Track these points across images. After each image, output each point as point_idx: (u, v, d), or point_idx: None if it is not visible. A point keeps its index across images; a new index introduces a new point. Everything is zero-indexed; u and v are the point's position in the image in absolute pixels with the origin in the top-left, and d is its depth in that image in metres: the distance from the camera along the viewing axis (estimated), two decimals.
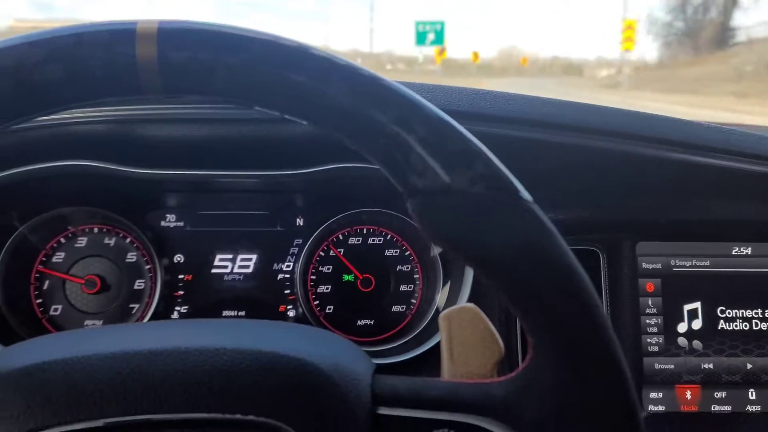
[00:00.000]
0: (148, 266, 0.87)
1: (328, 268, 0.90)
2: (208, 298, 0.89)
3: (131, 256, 0.87)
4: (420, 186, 0.39)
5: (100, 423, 0.36)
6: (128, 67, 0.36)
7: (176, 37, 0.37)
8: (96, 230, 0.87)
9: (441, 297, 0.88)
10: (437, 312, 0.88)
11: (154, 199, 0.87)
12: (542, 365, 0.41)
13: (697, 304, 0.86)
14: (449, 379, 0.46)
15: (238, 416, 0.37)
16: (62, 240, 0.86)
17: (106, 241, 0.87)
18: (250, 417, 0.37)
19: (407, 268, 0.90)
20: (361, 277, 0.89)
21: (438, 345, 0.81)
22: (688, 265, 0.86)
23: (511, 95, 0.82)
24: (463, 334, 0.47)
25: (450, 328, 0.47)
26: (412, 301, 0.90)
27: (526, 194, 0.40)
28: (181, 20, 0.38)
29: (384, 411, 0.41)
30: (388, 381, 0.43)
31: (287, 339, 0.42)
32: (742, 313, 0.86)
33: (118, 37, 0.37)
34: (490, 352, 0.47)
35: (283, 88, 0.38)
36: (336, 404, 0.39)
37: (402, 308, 0.90)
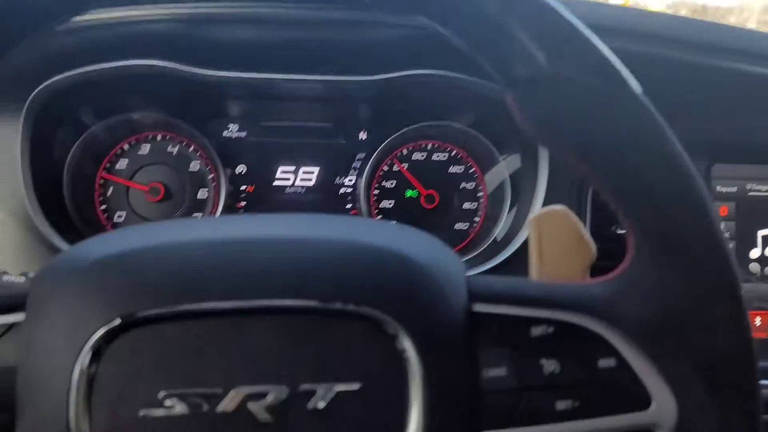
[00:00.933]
0: (212, 176, 0.86)
1: (392, 183, 0.88)
2: (269, 211, 0.88)
3: (194, 165, 0.86)
4: (523, 75, 0.38)
5: (195, 308, 0.35)
6: None
7: None
8: (160, 138, 0.86)
9: (507, 218, 0.86)
10: (512, 228, 0.86)
11: (218, 108, 0.86)
12: (645, 264, 0.39)
13: None
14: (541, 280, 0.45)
15: (337, 305, 0.36)
16: (127, 146, 0.85)
17: (170, 149, 0.86)
18: (350, 306, 0.36)
19: (472, 185, 0.89)
20: (424, 194, 0.88)
21: (498, 265, 0.80)
22: (763, 189, 0.83)
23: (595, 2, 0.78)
24: (553, 236, 0.45)
25: (540, 230, 0.46)
26: (476, 219, 0.89)
27: (636, 85, 0.39)
28: None
29: (481, 308, 0.39)
30: (482, 279, 0.41)
31: (384, 233, 0.41)
32: None
33: None
34: (582, 254, 0.45)
35: None
36: (435, 299, 0.38)
37: (465, 226, 0.89)
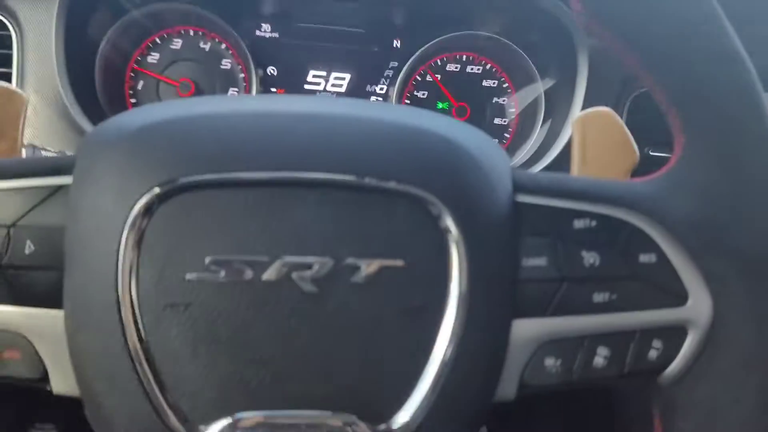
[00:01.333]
0: (243, 75, 0.85)
1: (423, 94, 0.87)
2: None
3: (226, 63, 0.85)
4: None
5: (247, 175, 0.35)
6: None
7: None
8: (192, 33, 0.85)
9: (538, 135, 0.86)
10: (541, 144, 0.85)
11: (252, 4, 0.84)
12: (694, 162, 0.39)
13: None
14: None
15: (382, 182, 0.36)
16: (158, 40, 0.84)
17: (202, 45, 0.85)
18: (393, 184, 0.36)
19: (504, 100, 0.88)
20: (456, 106, 0.87)
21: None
22: None
23: None
24: (598, 137, 0.45)
25: (584, 131, 0.45)
26: (506, 135, 0.88)
27: None
28: None
29: (525, 198, 0.39)
30: (528, 172, 0.41)
31: (432, 118, 0.41)
32: None
33: None
34: (626, 156, 0.45)
35: None
36: (481, 184, 0.38)
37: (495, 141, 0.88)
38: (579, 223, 0.39)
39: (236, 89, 0.86)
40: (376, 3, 0.83)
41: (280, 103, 0.39)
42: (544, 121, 0.85)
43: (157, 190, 0.33)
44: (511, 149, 0.88)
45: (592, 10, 0.39)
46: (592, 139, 0.45)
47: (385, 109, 0.40)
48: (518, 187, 0.39)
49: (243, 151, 0.35)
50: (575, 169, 0.46)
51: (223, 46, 0.85)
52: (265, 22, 0.85)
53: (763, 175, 0.38)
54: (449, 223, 0.35)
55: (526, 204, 0.39)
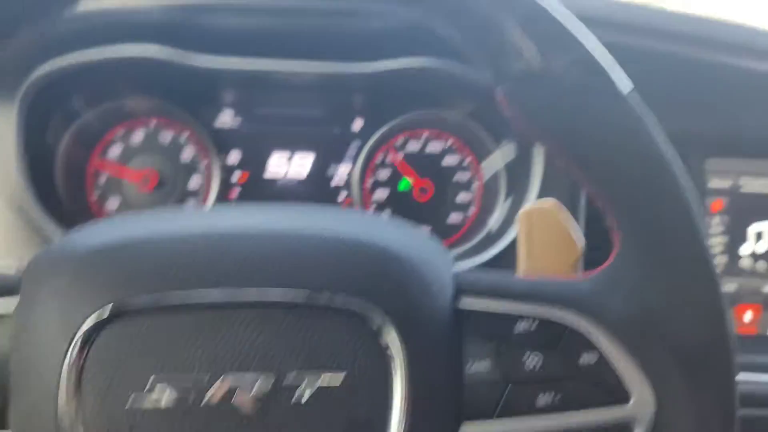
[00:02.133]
0: (204, 163, 0.86)
1: (386, 174, 0.88)
2: (262, 199, 0.88)
3: (187, 153, 0.86)
4: (514, 70, 0.38)
5: (180, 301, 0.35)
6: None
7: None
8: (153, 126, 0.85)
9: (501, 209, 0.86)
10: (504, 222, 0.86)
11: (211, 94, 0.85)
12: (630, 259, 0.40)
13: (764, 225, 0.84)
14: (528, 276, 0.45)
15: (321, 299, 0.36)
16: (119, 134, 0.85)
17: (163, 137, 0.85)
18: (334, 300, 0.36)
19: (466, 176, 0.89)
20: (418, 185, 0.88)
21: (493, 258, 0.80)
22: (757, 184, 0.84)
23: None
24: (543, 230, 0.46)
25: (530, 224, 0.46)
26: (470, 211, 0.89)
27: (625, 82, 0.39)
28: None
29: (466, 304, 0.40)
30: (470, 275, 0.42)
31: (371, 226, 0.42)
32: None
33: None
34: (570, 248, 0.46)
35: None
36: (421, 294, 0.38)
37: (459, 218, 0.89)
38: (520, 326, 0.40)
39: (199, 177, 0.86)
40: (335, 90, 0.84)
41: (219, 220, 0.40)
42: (507, 196, 0.86)
43: (98, 316, 0.34)
44: (477, 225, 0.88)
45: (522, 116, 0.40)
46: (536, 233, 0.46)
47: (324, 219, 0.41)
48: (460, 291, 0.40)
49: (180, 274, 0.36)
50: (521, 264, 0.46)
51: (184, 136, 0.85)
52: (226, 110, 0.86)
53: (695, 271, 0.39)
54: (390, 336, 0.35)
55: (469, 309, 0.40)
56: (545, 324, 0.40)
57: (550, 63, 0.38)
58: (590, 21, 0.76)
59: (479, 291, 0.41)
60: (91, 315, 0.34)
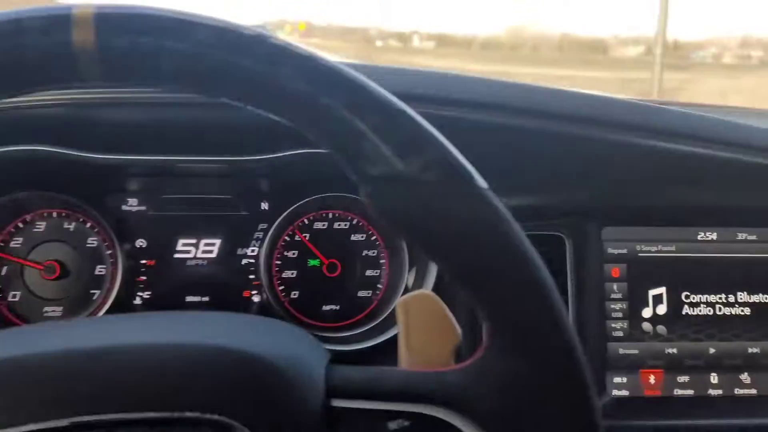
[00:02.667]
0: (109, 251, 0.85)
1: (294, 253, 0.89)
2: (171, 284, 0.87)
3: (91, 241, 0.85)
4: (373, 173, 0.39)
5: (38, 426, 0.35)
6: (65, 54, 0.35)
7: (116, 22, 0.36)
8: (55, 215, 0.85)
9: (407, 283, 0.88)
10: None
11: (114, 184, 0.85)
12: (497, 353, 0.41)
13: (662, 290, 0.86)
14: (406, 367, 0.46)
15: (184, 414, 0.36)
16: (20, 225, 0.84)
17: (66, 225, 0.85)
18: (196, 414, 0.36)
19: (374, 253, 0.90)
20: (326, 263, 0.88)
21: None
22: (653, 250, 0.86)
23: (472, 77, 0.81)
24: (419, 321, 0.47)
25: (407, 315, 0.47)
26: (379, 286, 0.90)
27: (480, 181, 0.40)
28: (121, 4, 0.37)
29: (339, 403, 0.40)
30: (341, 372, 0.42)
31: (235, 332, 0.42)
32: (706, 298, 0.86)
33: (54, 23, 0.35)
34: (447, 338, 0.46)
35: (230, 75, 0.38)
36: (288, 398, 0.38)
37: (368, 293, 0.90)
38: (393, 424, 0.40)
39: (103, 266, 0.85)
40: (240, 177, 0.85)
41: (77, 337, 0.40)
42: (410, 269, 0.87)
43: None
44: (386, 300, 0.89)
45: (385, 218, 0.41)
46: (414, 324, 0.47)
47: (187, 327, 0.41)
48: (331, 391, 0.40)
49: (33, 401, 0.35)
50: (401, 354, 0.47)
51: (88, 224, 0.85)
52: (131, 197, 0.86)
53: (560, 362, 0.40)
54: None
55: (340, 408, 0.40)
56: (417, 419, 0.40)
57: (405, 165, 0.39)
58: (479, 104, 0.79)
59: (352, 389, 0.41)
60: None
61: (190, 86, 0.39)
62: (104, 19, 0.36)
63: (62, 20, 0.35)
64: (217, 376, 0.38)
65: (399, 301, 0.47)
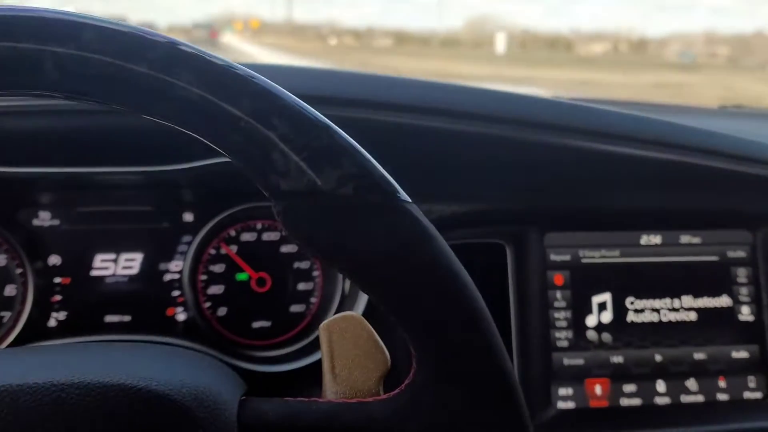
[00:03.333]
0: (20, 270, 0.79)
1: (220, 267, 0.83)
2: (88, 303, 0.82)
3: (0, 260, 0.79)
4: (284, 188, 0.36)
5: None
6: None
7: None
8: None
9: (341, 295, 0.83)
10: (340, 311, 0.83)
11: (24, 197, 0.79)
12: (426, 380, 0.39)
13: (607, 296, 0.84)
14: (330, 397, 0.43)
15: None
16: None
17: None
18: None
19: (306, 265, 0.85)
20: (255, 276, 0.84)
21: None
22: (597, 255, 0.84)
23: (398, 79, 0.77)
24: (345, 345, 0.43)
25: (330, 339, 0.43)
26: (312, 300, 0.85)
27: (402, 194, 0.38)
28: (2, 5, 0.34)
29: None
30: (257, 407, 0.40)
31: (136, 365, 0.38)
32: (651, 303, 0.84)
33: None
34: (375, 364, 0.43)
35: (121, 80, 0.35)
36: None
37: (301, 308, 0.85)
38: None
39: (13, 286, 0.79)
40: (161, 187, 0.80)
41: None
42: (344, 279, 0.83)
43: None
44: (320, 314, 0.85)
45: (298, 237, 0.38)
46: (339, 348, 0.43)
47: (80, 362, 0.38)
48: (244, 429, 0.37)
49: None
50: (326, 382, 0.43)
51: None
52: (43, 212, 0.80)
53: (491, 387, 0.38)
54: None
55: None
56: None
57: (320, 179, 0.36)
58: (410, 108, 0.75)
59: (265, 426, 0.38)
60: None
61: (78, 94, 0.35)
62: None
63: None
64: (109, 416, 0.34)
65: (322, 324, 0.43)
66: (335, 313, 0.84)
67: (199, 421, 0.36)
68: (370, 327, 0.44)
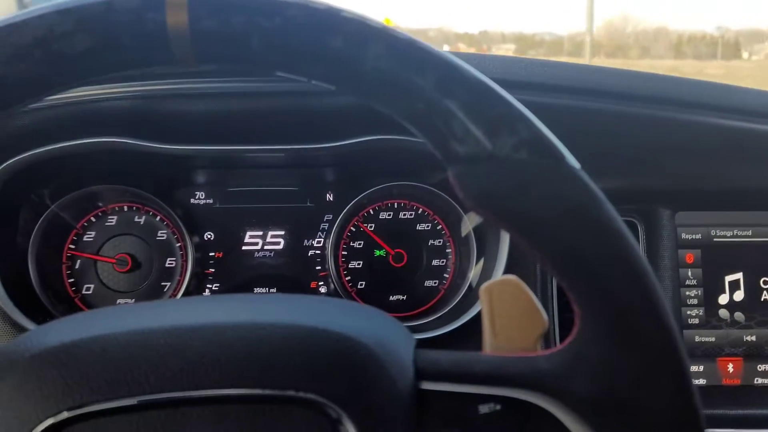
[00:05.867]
0: (179, 244, 0.86)
1: (360, 244, 0.88)
2: (239, 276, 0.88)
3: (162, 234, 0.86)
4: (461, 153, 0.38)
5: (135, 401, 0.35)
6: (159, 35, 0.35)
7: (208, 3, 0.36)
8: (126, 209, 0.86)
9: (474, 272, 0.87)
10: (470, 287, 0.86)
11: (183, 177, 0.86)
12: (591, 337, 0.39)
13: (739, 275, 0.84)
14: (492, 352, 0.45)
15: (278, 392, 0.36)
16: (93, 219, 0.86)
17: (137, 219, 0.86)
18: (290, 392, 0.36)
19: (439, 242, 0.89)
20: (392, 253, 0.88)
21: (472, 320, 0.80)
22: (729, 235, 0.84)
23: (550, 62, 0.80)
24: (505, 306, 0.46)
25: (491, 300, 0.46)
26: (445, 275, 0.89)
27: (572, 160, 0.39)
28: None
29: (428, 386, 0.40)
30: (430, 355, 0.42)
31: (326, 313, 0.42)
32: None
33: (148, 4, 0.35)
34: (534, 324, 0.45)
35: (319, 53, 0.37)
36: (379, 380, 0.38)
37: (435, 283, 0.89)
38: (484, 408, 0.39)
39: (173, 258, 0.86)
40: (305, 167, 0.86)
41: (169, 315, 0.40)
42: (477, 260, 0.86)
43: (46, 423, 0.34)
44: (453, 289, 0.88)
45: (471, 200, 0.40)
46: (499, 309, 0.46)
47: (275, 307, 0.41)
48: (421, 374, 0.39)
49: (130, 376, 0.36)
50: (486, 340, 0.46)
51: (158, 218, 0.86)
52: (199, 190, 0.87)
53: (658, 345, 0.38)
54: (349, 427, 0.35)
55: (430, 391, 0.39)
56: (508, 404, 0.39)
57: (496, 145, 0.38)
58: (555, 88, 0.78)
59: (440, 373, 0.40)
60: (39, 423, 0.34)
61: (280, 66, 0.38)
62: (197, 1, 0.36)
63: (156, 2, 0.35)
64: (313, 356, 0.37)
65: (483, 286, 0.46)
66: (465, 291, 0.87)
67: (383, 364, 0.39)
68: (528, 289, 0.46)
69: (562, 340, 0.43)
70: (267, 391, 0.36)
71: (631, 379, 0.38)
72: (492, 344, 0.46)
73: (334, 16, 0.37)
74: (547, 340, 0.80)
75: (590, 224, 0.38)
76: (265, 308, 0.41)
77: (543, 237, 0.39)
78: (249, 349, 0.37)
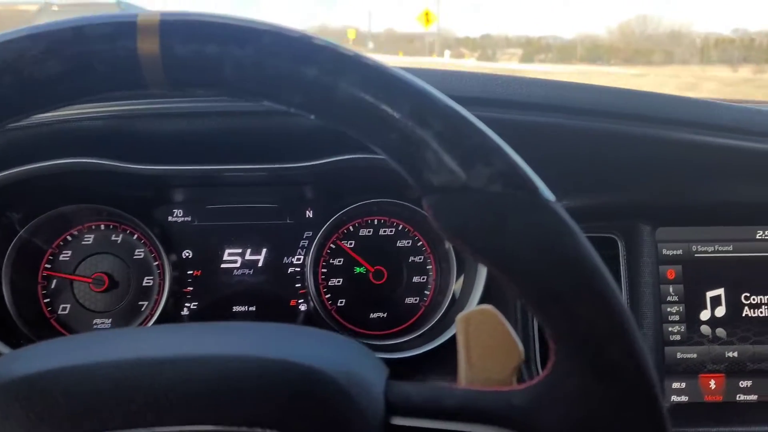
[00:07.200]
0: (156, 263, 0.86)
1: (339, 261, 0.88)
2: (217, 294, 0.87)
3: (139, 253, 0.86)
4: (435, 183, 0.38)
5: None
6: (130, 61, 0.35)
7: (180, 30, 0.36)
8: (102, 227, 0.85)
9: (456, 288, 0.86)
10: (452, 304, 0.86)
11: (160, 195, 0.85)
12: (565, 372, 0.39)
13: (720, 291, 0.84)
14: (467, 385, 0.45)
15: (245, 428, 0.35)
16: (68, 238, 0.85)
17: (113, 238, 0.85)
18: (256, 429, 0.35)
19: (420, 258, 0.88)
20: (372, 270, 0.87)
21: (452, 339, 0.79)
22: (710, 250, 0.84)
23: (524, 79, 0.79)
24: (481, 337, 0.45)
25: (468, 330, 0.45)
26: (426, 292, 0.88)
27: (547, 193, 0.39)
28: (185, 12, 0.37)
29: (398, 421, 0.39)
30: (402, 388, 0.41)
31: (294, 344, 0.41)
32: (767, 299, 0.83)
33: (119, 31, 0.35)
34: (510, 356, 0.45)
35: (293, 82, 0.37)
36: (347, 414, 0.37)
37: (415, 300, 0.88)
38: None
39: (151, 278, 0.86)
40: (285, 184, 0.85)
41: (136, 345, 0.39)
42: (458, 276, 0.86)
43: None
44: (434, 306, 0.88)
45: (445, 230, 0.39)
46: (475, 340, 0.45)
47: (243, 338, 0.40)
48: (391, 408, 0.39)
49: (93, 410, 0.35)
50: (462, 371, 0.46)
51: (135, 236, 0.86)
52: (177, 209, 0.86)
53: (631, 379, 0.38)
54: None
55: (400, 426, 0.39)
56: None
57: (470, 176, 0.37)
58: (530, 105, 0.77)
59: (411, 408, 0.40)
60: None
61: (252, 94, 0.38)
62: (169, 27, 0.35)
63: (128, 28, 0.35)
64: (271, 389, 0.37)
65: (460, 316, 0.46)
66: (446, 308, 0.86)
67: (351, 397, 0.38)
68: (505, 320, 0.46)
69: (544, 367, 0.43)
70: (233, 428, 0.35)
71: (605, 414, 0.38)
72: (467, 376, 0.45)
73: (309, 44, 0.37)
74: (529, 368, 0.80)
75: (564, 259, 0.38)
76: (233, 340, 0.41)
77: (517, 271, 0.38)
78: (215, 383, 0.36)
